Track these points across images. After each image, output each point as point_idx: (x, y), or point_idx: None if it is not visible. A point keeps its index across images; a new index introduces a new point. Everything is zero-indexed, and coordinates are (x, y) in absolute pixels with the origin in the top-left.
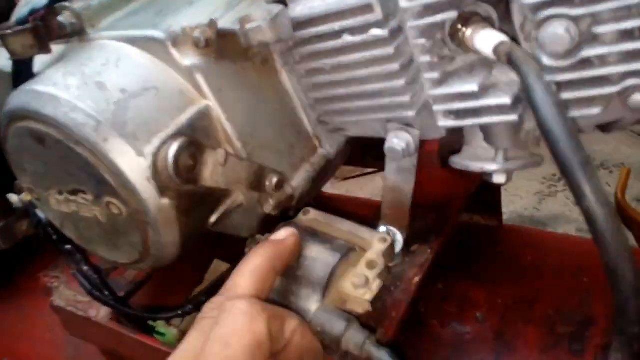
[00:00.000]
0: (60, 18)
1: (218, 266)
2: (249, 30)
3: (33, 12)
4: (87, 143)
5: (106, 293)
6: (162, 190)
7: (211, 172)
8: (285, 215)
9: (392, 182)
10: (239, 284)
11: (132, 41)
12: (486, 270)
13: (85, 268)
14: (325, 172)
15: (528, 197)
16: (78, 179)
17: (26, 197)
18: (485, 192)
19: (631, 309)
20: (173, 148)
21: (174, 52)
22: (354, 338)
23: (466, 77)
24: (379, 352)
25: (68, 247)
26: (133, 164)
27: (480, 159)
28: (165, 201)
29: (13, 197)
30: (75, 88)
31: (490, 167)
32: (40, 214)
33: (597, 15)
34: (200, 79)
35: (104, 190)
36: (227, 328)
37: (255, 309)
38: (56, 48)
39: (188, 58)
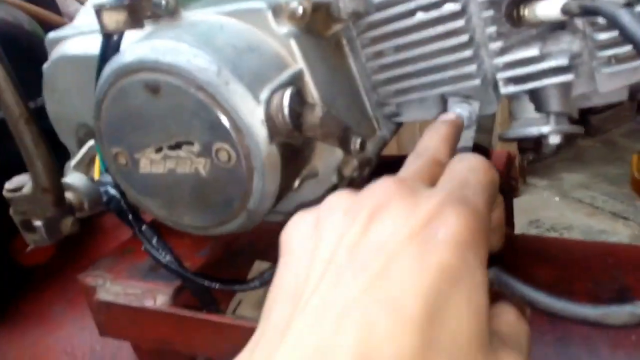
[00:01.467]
0: None
1: (259, 266)
2: None
3: None
4: (209, 87)
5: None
6: (272, 135)
7: (310, 124)
8: None
9: None
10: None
11: (230, 14)
12: (515, 261)
13: (158, 244)
14: (380, 154)
15: None
16: (188, 128)
17: (95, 173)
18: None
19: None
20: (287, 93)
21: (272, 21)
22: None
23: (525, 47)
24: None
25: (143, 226)
26: (250, 108)
27: (534, 125)
28: (273, 147)
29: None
30: (190, 41)
31: (545, 129)
32: (112, 190)
33: None
34: (294, 45)
35: (216, 136)
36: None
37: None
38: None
39: (284, 27)
